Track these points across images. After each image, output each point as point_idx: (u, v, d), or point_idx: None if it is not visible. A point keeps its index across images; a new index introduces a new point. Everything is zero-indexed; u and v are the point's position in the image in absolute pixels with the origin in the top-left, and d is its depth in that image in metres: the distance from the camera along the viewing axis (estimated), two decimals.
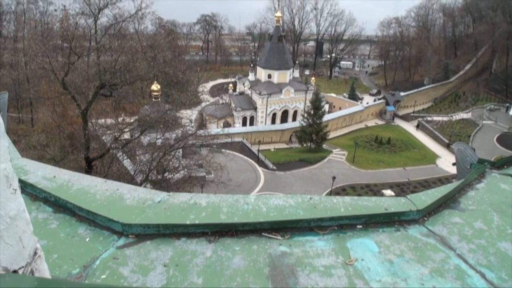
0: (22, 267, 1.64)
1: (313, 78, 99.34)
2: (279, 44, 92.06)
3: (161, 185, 33.74)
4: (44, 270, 1.86)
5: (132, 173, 34.45)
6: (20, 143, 39.29)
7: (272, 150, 76.69)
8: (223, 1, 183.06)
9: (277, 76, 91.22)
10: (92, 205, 3.54)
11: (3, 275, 1.49)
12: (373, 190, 59.04)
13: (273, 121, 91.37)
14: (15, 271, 1.59)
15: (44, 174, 4.10)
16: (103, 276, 2.83)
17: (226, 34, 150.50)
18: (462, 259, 3.17)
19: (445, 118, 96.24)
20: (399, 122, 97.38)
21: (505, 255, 3.22)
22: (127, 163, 38.28)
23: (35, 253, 1.76)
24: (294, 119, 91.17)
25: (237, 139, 74.23)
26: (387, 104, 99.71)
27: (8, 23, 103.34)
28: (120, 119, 39.53)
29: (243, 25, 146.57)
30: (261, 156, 68.07)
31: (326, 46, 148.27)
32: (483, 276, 2.99)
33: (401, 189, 59.23)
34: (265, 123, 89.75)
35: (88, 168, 30.69)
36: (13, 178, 1.64)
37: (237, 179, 53.83)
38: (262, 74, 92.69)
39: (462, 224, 3.65)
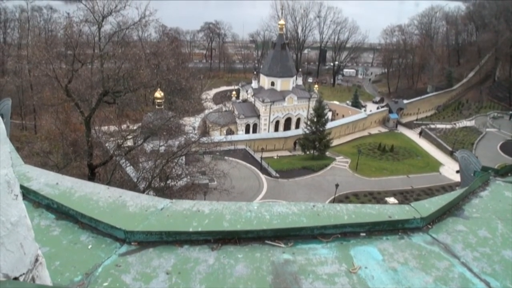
0: (23, 274, 1.63)
1: (316, 86, 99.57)
2: (282, 52, 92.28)
3: (164, 192, 33.76)
4: (45, 277, 1.85)
5: (135, 180, 34.50)
6: (23, 150, 39.44)
7: (275, 157, 76.71)
8: (226, 9, 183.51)
9: (280, 84, 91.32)
10: (95, 212, 3.53)
11: (3, 282, 1.48)
12: (377, 198, 59.05)
13: (276, 129, 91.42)
14: (16, 278, 1.58)
15: (46, 181, 4.09)
16: (105, 284, 2.82)
17: (229, 42, 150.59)
18: (466, 267, 3.15)
19: (449, 126, 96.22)
20: (402, 129, 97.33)
21: (509, 263, 3.20)
22: (130, 170, 38.32)
23: (36, 260, 1.75)
24: (297, 126, 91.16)
25: (240, 146, 74.40)
26: (390, 111, 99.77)
27: (12, 30, 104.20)
28: (123, 126, 39.60)
29: (247, 32, 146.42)
30: (264, 164, 68.14)
31: (329, 54, 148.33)
32: (487, 284, 2.97)
33: (405, 197, 59.25)
34: (268, 131, 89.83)
35: (91, 175, 30.75)
36: (14, 184, 1.63)
37: (240, 186, 53.86)
38: (265, 81, 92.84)
39: (466, 232, 3.63)
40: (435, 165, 75.60)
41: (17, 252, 1.58)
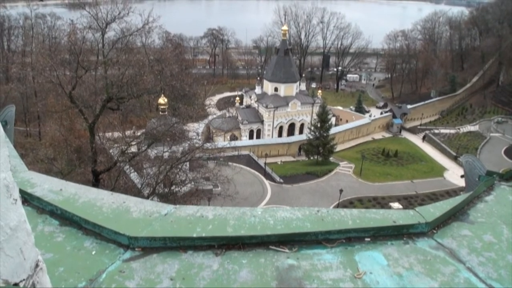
0: (23, 279, 1.61)
1: (319, 91, 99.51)
2: (285, 57, 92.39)
3: (168, 198, 33.82)
4: (46, 283, 1.83)
5: (139, 186, 34.52)
6: (27, 156, 39.48)
7: (279, 163, 76.70)
8: (230, 15, 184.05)
9: (284, 89, 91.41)
10: (99, 218, 3.52)
11: None
12: (381, 203, 58.91)
13: (280, 134, 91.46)
14: (16, 284, 1.57)
15: (50, 187, 4.08)
16: None
17: (232, 48, 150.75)
18: (472, 272, 3.12)
19: (452, 131, 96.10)
20: (406, 134, 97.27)
21: None
22: (134, 176, 38.39)
23: (37, 265, 1.73)
24: (301, 132, 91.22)
25: (244, 152, 74.42)
26: (394, 117, 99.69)
27: (16, 37, 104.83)
28: (127, 133, 39.69)
29: (250, 38, 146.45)
30: (268, 169, 68.09)
31: (332, 59, 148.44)
32: None
33: (409, 202, 59.08)
34: (272, 136, 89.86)
35: (95, 181, 30.78)
36: (13, 188, 1.61)
37: (244, 192, 53.84)
38: (268, 87, 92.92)
39: (471, 236, 3.61)
40: (439, 170, 75.45)
41: (16, 257, 1.57)
